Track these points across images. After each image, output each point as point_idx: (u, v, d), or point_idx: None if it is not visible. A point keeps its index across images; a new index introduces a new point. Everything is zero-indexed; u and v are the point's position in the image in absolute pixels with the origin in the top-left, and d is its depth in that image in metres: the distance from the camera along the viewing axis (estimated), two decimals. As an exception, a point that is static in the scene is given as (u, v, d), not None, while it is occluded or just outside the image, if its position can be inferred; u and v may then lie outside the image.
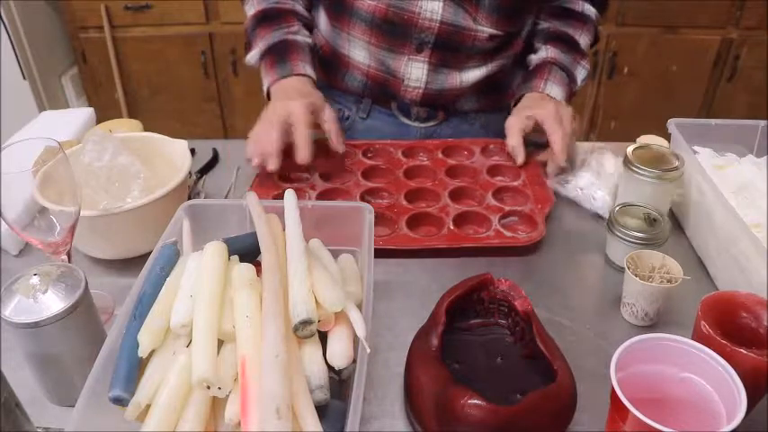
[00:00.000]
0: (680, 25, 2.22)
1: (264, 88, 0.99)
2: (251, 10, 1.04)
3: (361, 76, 1.05)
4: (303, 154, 0.86)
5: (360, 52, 1.02)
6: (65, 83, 2.42)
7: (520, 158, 0.94)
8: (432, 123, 1.08)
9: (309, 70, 0.98)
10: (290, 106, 0.88)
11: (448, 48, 0.98)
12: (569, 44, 1.02)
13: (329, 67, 1.06)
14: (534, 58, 1.03)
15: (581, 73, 1.02)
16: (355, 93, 1.08)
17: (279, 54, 0.98)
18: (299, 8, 1.05)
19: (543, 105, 0.94)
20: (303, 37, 1.01)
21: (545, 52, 1.01)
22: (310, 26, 1.06)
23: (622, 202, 0.81)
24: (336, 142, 0.93)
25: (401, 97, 1.04)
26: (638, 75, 2.33)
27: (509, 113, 0.99)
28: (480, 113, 1.09)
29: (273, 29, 1.00)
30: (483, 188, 0.90)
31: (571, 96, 1.01)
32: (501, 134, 0.97)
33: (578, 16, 1.04)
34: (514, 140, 0.94)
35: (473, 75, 1.02)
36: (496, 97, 1.08)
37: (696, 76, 2.32)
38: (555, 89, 0.98)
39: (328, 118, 0.93)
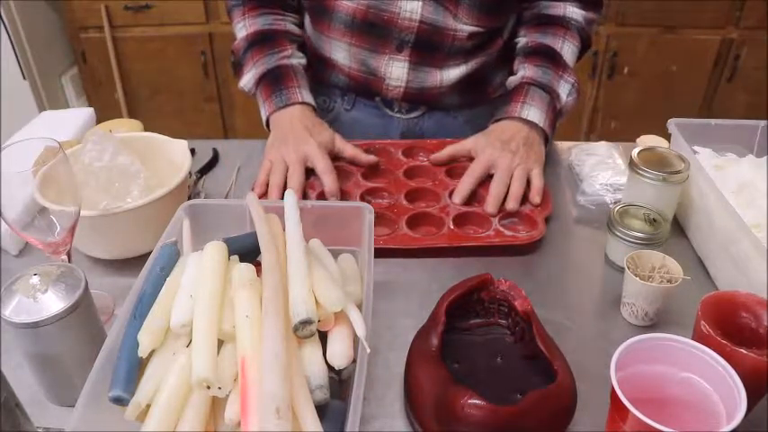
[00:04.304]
0: (680, 25, 2.22)
1: (263, 119, 0.99)
2: (242, 31, 1.03)
3: (344, 76, 1.05)
4: (332, 187, 0.87)
5: (341, 54, 1.03)
6: (65, 83, 2.42)
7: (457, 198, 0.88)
8: (415, 115, 1.08)
9: (307, 96, 0.98)
10: (305, 150, 0.90)
11: (428, 47, 0.98)
12: (549, 57, 0.97)
13: (313, 67, 1.06)
14: (512, 80, 0.99)
15: (564, 88, 0.96)
16: (340, 89, 1.09)
17: (274, 82, 0.98)
18: (292, 27, 1.04)
19: (502, 146, 0.90)
20: (297, 60, 1.01)
21: (522, 71, 0.98)
22: (303, 45, 1.05)
23: (626, 203, 0.81)
24: (367, 161, 0.94)
25: (383, 95, 1.05)
26: (638, 75, 2.33)
27: (494, 107, 0.99)
28: (464, 109, 1.08)
29: (266, 53, 0.99)
30: (483, 188, 0.90)
31: (557, 115, 0.96)
32: (484, 128, 0.97)
33: (559, 22, 1.00)
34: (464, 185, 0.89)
35: (453, 73, 1.02)
36: (478, 93, 1.08)
37: (696, 76, 2.32)
38: (533, 111, 0.93)
39: (343, 147, 0.94)
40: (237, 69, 1.03)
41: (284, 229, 0.64)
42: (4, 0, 2.07)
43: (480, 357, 0.64)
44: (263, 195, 0.88)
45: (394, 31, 0.97)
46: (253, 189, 0.89)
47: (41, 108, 2.23)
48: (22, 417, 0.53)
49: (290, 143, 0.91)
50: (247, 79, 1.01)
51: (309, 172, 0.91)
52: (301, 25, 1.08)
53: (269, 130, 0.98)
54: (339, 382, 0.56)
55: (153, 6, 2.25)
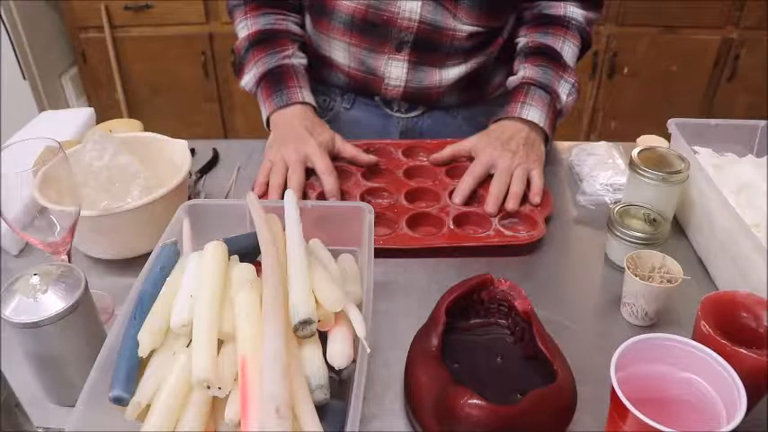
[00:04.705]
0: (680, 25, 2.22)
1: (264, 118, 0.99)
2: (244, 31, 1.03)
3: (344, 75, 1.06)
4: (332, 187, 0.87)
5: (340, 53, 1.03)
6: (65, 83, 2.42)
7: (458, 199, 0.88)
8: (414, 114, 1.08)
9: (308, 96, 0.98)
10: (306, 150, 0.90)
11: (427, 47, 0.98)
12: (549, 57, 0.97)
13: (313, 66, 1.07)
14: (512, 80, 0.99)
15: (564, 87, 0.96)
16: (339, 88, 1.09)
17: (275, 81, 0.98)
18: (293, 27, 1.04)
19: (503, 146, 0.90)
20: (299, 60, 1.01)
21: (523, 71, 0.98)
22: (305, 45, 1.06)
23: (626, 203, 0.81)
24: (367, 161, 0.94)
25: (382, 94, 1.05)
26: (638, 75, 2.33)
27: (493, 107, 0.99)
28: (463, 108, 1.09)
29: (267, 53, 1.00)
30: (483, 188, 0.90)
31: (558, 115, 0.96)
32: (484, 127, 0.97)
33: (560, 22, 1.00)
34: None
35: (453, 72, 1.02)
36: (477, 92, 1.08)
37: (696, 76, 2.32)
38: (533, 111, 0.93)
39: (343, 147, 0.95)
40: (239, 69, 1.04)
41: (284, 229, 0.64)
42: (5, 0, 2.07)
43: (480, 357, 0.64)
44: (263, 195, 0.88)
45: (393, 30, 0.97)
46: (253, 189, 0.89)
47: (41, 108, 2.22)
48: (22, 417, 0.53)
49: (290, 143, 0.91)
50: (248, 79, 1.01)
51: (309, 172, 0.91)
52: (303, 25, 1.08)
53: (269, 130, 0.98)
54: (339, 382, 0.56)
55: (153, 6, 2.25)
